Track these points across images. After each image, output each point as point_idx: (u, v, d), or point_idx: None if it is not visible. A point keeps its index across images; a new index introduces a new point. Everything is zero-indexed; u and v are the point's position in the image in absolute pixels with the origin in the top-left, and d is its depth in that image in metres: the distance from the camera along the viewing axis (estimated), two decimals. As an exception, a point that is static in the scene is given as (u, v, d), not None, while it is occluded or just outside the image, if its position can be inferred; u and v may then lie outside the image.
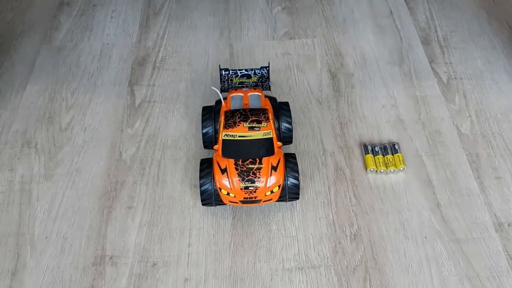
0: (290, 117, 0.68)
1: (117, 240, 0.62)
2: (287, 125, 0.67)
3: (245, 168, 0.59)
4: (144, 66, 0.83)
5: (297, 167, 0.62)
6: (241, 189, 0.59)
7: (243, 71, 0.68)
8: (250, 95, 0.66)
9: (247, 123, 0.62)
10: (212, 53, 0.84)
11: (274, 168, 0.59)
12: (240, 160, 0.60)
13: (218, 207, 0.65)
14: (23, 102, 0.78)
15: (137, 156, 0.71)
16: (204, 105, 0.70)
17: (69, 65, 0.83)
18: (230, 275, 0.59)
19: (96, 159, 0.71)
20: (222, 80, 0.69)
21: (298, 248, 0.61)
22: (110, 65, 0.83)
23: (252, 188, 0.59)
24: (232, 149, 0.61)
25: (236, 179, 0.59)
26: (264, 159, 0.60)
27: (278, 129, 0.67)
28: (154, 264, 0.60)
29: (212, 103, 0.71)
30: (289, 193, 0.62)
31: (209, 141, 0.67)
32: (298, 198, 0.63)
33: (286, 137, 0.68)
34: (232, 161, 0.60)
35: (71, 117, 0.76)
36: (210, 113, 0.68)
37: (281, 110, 0.68)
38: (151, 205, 0.66)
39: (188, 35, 0.88)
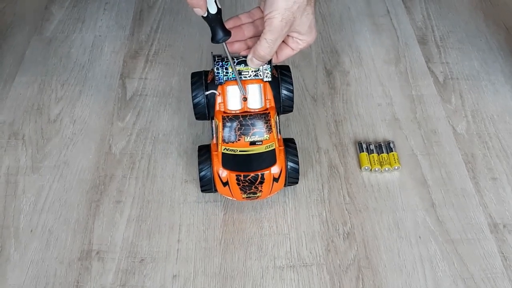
0: (291, 83, 0.60)
1: (105, 235, 0.61)
2: (288, 93, 0.60)
3: (247, 183, 0.58)
4: (137, 59, 0.81)
5: (297, 151, 0.61)
6: (243, 198, 0.60)
7: (241, 57, 0.58)
8: (250, 87, 0.59)
9: (248, 137, 0.57)
10: (206, 47, 0.83)
11: (276, 180, 0.59)
12: (242, 176, 0.58)
13: (209, 203, 0.64)
14: (11, 93, 0.76)
15: (127, 150, 0.69)
16: (193, 71, 0.61)
17: (60, 56, 0.82)
18: (220, 272, 0.58)
19: (85, 152, 0.69)
20: (216, 69, 0.57)
21: (290, 246, 0.60)
22: (101, 58, 0.81)
23: (254, 197, 0.60)
24: (233, 162, 0.58)
25: (238, 192, 0.59)
26: (266, 174, 0.58)
27: (278, 95, 0.60)
28: (142, 259, 0.59)
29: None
30: (289, 177, 0.60)
31: (201, 112, 0.60)
32: (297, 182, 0.62)
33: (286, 106, 0.61)
34: (233, 176, 0.58)
35: (60, 109, 0.74)
36: (200, 80, 0.59)
37: (281, 75, 0.60)
38: (140, 200, 0.64)
39: (183, 29, 0.86)
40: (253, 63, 0.56)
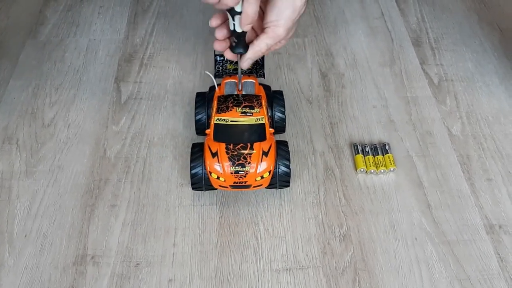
0: (284, 106, 0.67)
1: (99, 239, 0.60)
2: (280, 114, 0.67)
3: (236, 153, 0.58)
4: (131, 62, 0.81)
5: (289, 154, 0.61)
6: (231, 173, 0.58)
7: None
8: (244, 81, 0.66)
9: (240, 108, 0.62)
10: (201, 51, 0.83)
11: (265, 154, 0.59)
12: (232, 145, 0.59)
13: (204, 206, 0.63)
14: (5, 97, 0.76)
15: (122, 154, 0.69)
16: (197, 91, 0.69)
17: (54, 60, 0.81)
18: (216, 276, 0.58)
19: (79, 156, 0.69)
20: (216, 66, 0.68)
21: (286, 249, 0.60)
22: (96, 61, 0.81)
23: (242, 172, 0.58)
24: (224, 133, 0.60)
25: (226, 163, 0.58)
26: (256, 145, 0.59)
27: (271, 117, 0.67)
28: (138, 264, 0.58)
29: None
30: (280, 181, 0.61)
31: (202, 128, 0.66)
32: (288, 185, 0.62)
33: (279, 126, 0.67)
34: (223, 145, 0.59)
35: (55, 113, 0.74)
36: (203, 99, 0.67)
37: (275, 98, 0.68)
38: (135, 204, 0.64)
39: (177, 32, 0.86)
40: (247, 63, 0.61)
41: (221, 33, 0.59)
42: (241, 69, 0.63)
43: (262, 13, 0.60)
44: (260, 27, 0.60)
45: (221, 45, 0.60)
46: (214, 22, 0.59)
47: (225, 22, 0.59)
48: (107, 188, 0.65)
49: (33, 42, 0.84)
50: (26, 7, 0.91)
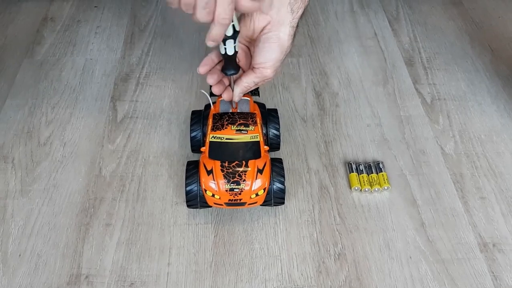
0: (278, 124, 0.69)
1: (94, 259, 0.60)
2: (275, 132, 0.68)
3: (231, 170, 0.59)
4: (128, 82, 0.82)
5: (283, 171, 0.62)
6: (226, 190, 0.59)
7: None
8: (239, 100, 0.66)
9: (235, 126, 0.63)
10: (197, 70, 0.84)
11: (260, 171, 0.59)
12: (226, 162, 0.60)
13: (199, 225, 0.63)
14: (1, 116, 0.76)
15: (117, 172, 0.69)
16: (193, 109, 0.70)
17: (51, 79, 0.82)
18: (210, 296, 0.57)
19: (75, 175, 0.69)
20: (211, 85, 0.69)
21: (281, 268, 0.60)
22: (92, 81, 0.82)
23: (237, 190, 0.59)
24: (219, 151, 0.61)
25: (221, 181, 0.59)
26: (250, 162, 0.60)
27: (266, 135, 0.67)
28: (132, 284, 0.58)
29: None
30: (275, 198, 0.61)
31: (197, 145, 0.67)
32: (283, 203, 0.63)
33: (273, 143, 0.69)
34: (218, 162, 0.60)
35: (51, 132, 0.74)
36: (199, 117, 0.68)
37: (270, 116, 0.69)
38: (130, 223, 0.64)
39: (173, 52, 0.87)
40: (239, 97, 0.63)
41: (212, 79, 0.61)
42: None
43: (248, 50, 0.62)
44: (247, 65, 0.62)
45: (219, 88, 0.62)
46: (202, 69, 0.61)
47: (213, 67, 0.61)
48: (102, 207, 0.65)
49: (30, 61, 0.85)
50: (23, 26, 0.91)
